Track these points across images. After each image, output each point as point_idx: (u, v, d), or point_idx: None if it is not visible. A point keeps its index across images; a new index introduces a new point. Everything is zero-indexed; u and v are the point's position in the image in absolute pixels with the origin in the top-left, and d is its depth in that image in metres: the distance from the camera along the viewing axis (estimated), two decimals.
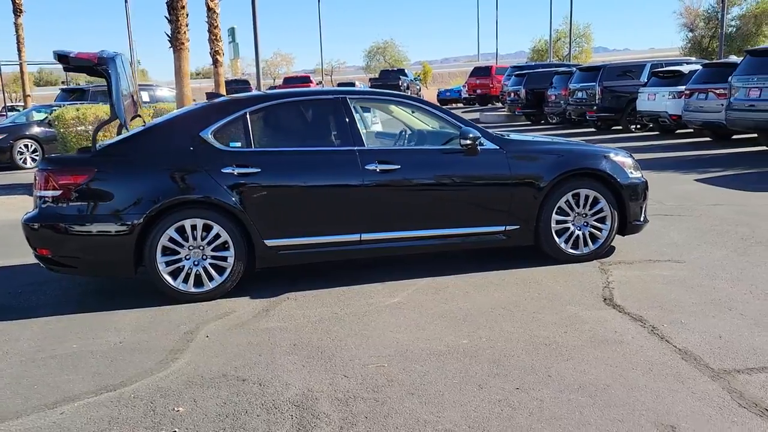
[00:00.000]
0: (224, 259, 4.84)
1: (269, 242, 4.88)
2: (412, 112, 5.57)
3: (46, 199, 4.69)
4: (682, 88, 15.06)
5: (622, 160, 5.53)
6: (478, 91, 32.73)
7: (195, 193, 4.73)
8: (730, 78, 12.60)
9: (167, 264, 4.75)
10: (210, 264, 4.82)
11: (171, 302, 4.78)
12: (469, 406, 3.09)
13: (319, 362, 3.67)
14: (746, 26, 37.29)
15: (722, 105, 13.25)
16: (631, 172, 5.51)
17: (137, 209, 4.65)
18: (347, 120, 5.09)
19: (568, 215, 5.38)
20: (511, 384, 3.30)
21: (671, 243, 5.92)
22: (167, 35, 12.14)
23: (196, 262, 4.81)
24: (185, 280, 4.79)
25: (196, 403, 3.24)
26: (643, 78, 17.56)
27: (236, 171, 4.79)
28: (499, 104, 30.74)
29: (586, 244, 5.44)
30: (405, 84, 36.52)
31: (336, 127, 5.10)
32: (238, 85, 31.92)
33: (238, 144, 4.93)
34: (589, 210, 5.41)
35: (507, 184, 5.22)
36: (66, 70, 5.64)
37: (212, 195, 4.74)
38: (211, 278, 4.83)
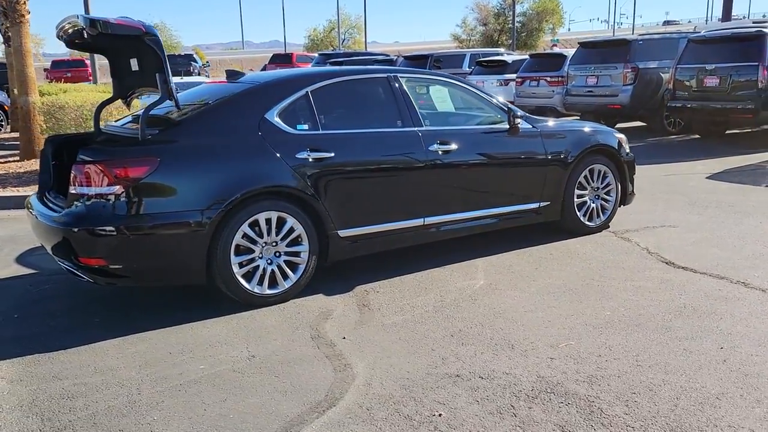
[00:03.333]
0: (297, 254, 4.36)
1: (343, 233, 4.51)
2: (452, 91, 5.46)
3: (92, 196, 3.83)
4: (510, 76, 16.48)
5: (621, 136, 5.99)
6: None
7: (271, 182, 4.20)
8: (566, 67, 14.10)
9: (241, 265, 4.16)
10: (284, 261, 4.32)
11: (240, 309, 4.19)
12: (706, 369, 3.22)
13: (505, 349, 3.52)
14: (530, 23, 42.12)
15: (554, 91, 14.78)
16: (627, 147, 6.00)
17: (211, 203, 4.00)
18: (405, 99, 4.86)
19: (585, 189, 5.71)
20: (710, 344, 3.49)
21: (641, 212, 6.54)
22: (2, 6, 10.28)
23: (269, 261, 4.28)
24: (260, 282, 4.24)
25: (448, 405, 2.95)
26: (465, 67, 18.84)
27: (311, 156, 4.34)
28: None
29: (598, 216, 5.83)
30: (197, 70, 34.66)
31: (395, 107, 4.83)
32: None
33: (305, 126, 4.46)
34: (601, 184, 5.79)
35: (543, 162, 5.39)
36: (80, 46, 4.60)
37: (289, 183, 4.25)
38: (285, 277, 4.33)
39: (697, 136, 12.47)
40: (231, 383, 3.23)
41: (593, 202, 5.78)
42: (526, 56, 16.84)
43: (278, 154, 4.24)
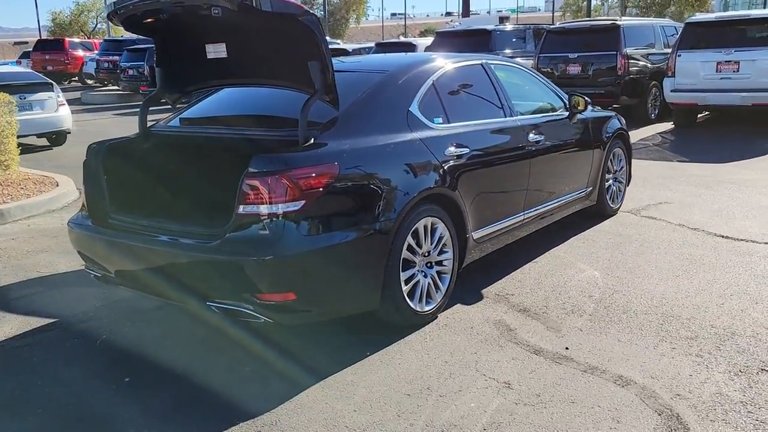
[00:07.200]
0: (442, 263, 3.89)
1: (476, 234, 4.11)
2: (517, 77, 5.16)
3: (268, 215, 3.01)
4: None
5: (622, 119, 6.23)
6: (50, 68, 28.04)
7: (431, 183, 3.68)
8: None
9: (406, 282, 3.59)
10: (435, 272, 3.83)
11: (398, 333, 3.62)
12: None
13: (732, 338, 3.48)
14: (338, 12, 42.10)
15: None
16: None
17: (387, 212, 3.39)
18: (501, 87, 4.56)
19: (610, 173, 5.87)
20: None
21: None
22: None
23: (424, 273, 3.75)
24: (420, 299, 3.70)
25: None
26: None
27: (455, 153, 3.88)
28: (83, 82, 27.72)
29: (616, 197, 6.03)
30: None
31: (495, 95, 4.50)
32: None
33: (440, 120, 3.96)
34: (618, 167, 6.00)
35: (591, 146, 5.42)
36: (144, 27, 3.46)
37: (444, 184, 3.76)
38: (437, 289, 3.84)
39: None
40: (536, 418, 2.77)
41: (614, 185, 5.96)
42: (371, 45, 16.87)
43: (432, 152, 3.72)
